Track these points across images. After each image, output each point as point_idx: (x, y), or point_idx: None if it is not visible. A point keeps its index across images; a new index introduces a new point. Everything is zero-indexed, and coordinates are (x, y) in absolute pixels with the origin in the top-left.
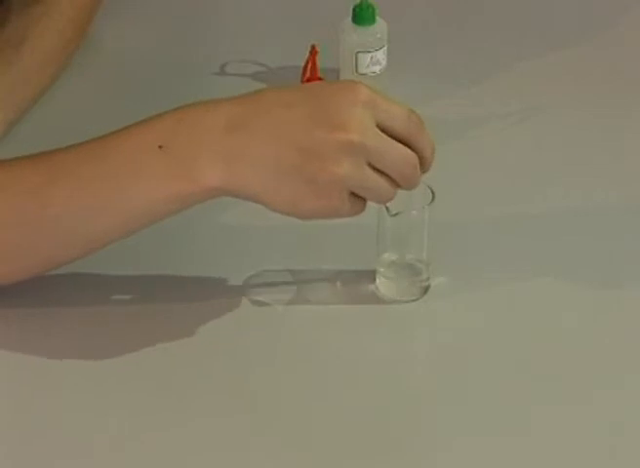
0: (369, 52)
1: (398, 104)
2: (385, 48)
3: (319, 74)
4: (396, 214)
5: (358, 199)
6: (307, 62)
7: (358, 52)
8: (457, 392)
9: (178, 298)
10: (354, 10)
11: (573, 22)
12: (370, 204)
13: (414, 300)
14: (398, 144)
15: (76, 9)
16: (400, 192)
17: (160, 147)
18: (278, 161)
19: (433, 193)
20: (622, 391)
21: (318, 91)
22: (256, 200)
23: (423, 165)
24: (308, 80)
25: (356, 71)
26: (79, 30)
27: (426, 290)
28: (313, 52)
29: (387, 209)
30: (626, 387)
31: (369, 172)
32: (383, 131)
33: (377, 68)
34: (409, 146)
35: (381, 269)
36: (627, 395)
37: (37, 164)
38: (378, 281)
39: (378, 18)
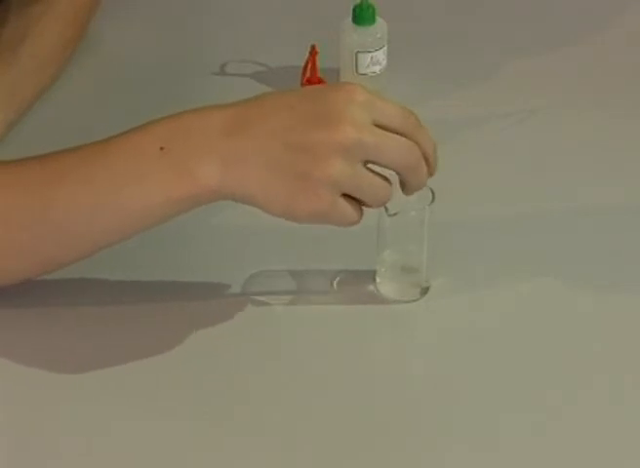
0: (369, 52)
1: (395, 104)
2: (385, 48)
3: (319, 74)
4: (394, 214)
5: (353, 204)
6: (307, 62)
7: (358, 52)
8: (457, 392)
9: (177, 299)
10: (354, 10)
11: (573, 22)
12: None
13: (414, 301)
14: (398, 136)
15: (76, 9)
16: (399, 192)
17: (161, 149)
18: (273, 161)
19: (433, 193)
20: (623, 391)
21: (315, 92)
22: (252, 202)
23: (427, 163)
24: (308, 80)
25: (356, 71)
26: (79, 30)
27: (426, 290)
28: (313, 52)
29: (386, 208)
30: (627, 387)
31: (362, 170)
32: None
33: (377, 68)
34: None
35: (382, 269)
36: (628, 395)
37: (40, 165)
38: (378, 281)
39: (378, 18)
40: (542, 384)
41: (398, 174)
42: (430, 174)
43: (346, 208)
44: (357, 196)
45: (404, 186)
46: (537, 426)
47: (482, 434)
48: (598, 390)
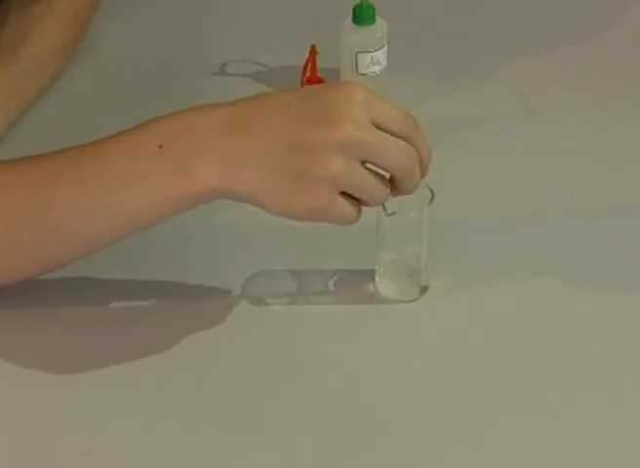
0: (369, 52)
1: (394, 106)
2: (385, 48)
3: (319, 74)
4: (392, 214)
5: (352, 202)
6: (307, 62)
7: (358, 52)
8: (456, 392)
9: (177, 298)
10: (354, 10)
11: (573, 22)
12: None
13: (413, 300)
14: (396, 138)
15: (76, 9)
16: None
17: (160, 147)
18: (273, 160)
19: (432, 193)
20: (623, 391)
21: (315, 91)
22: (252, 201)
23: (421, 166)
24: (308, 80)
25: (356, 71)
26: (79, 30)
27: (425, 289)
28: (313, 52)
29: (384, 208)
30: (627, 387)
31: (360, 169)
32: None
33: (377, 68)
34: None
35: (381, 269)
36: (628, 395)
37: (39, 164)
38: (377, 281)
39: (378, 18)
40: (542, 384)
41: (393, 175)
42: (422, 175)
43: (345, 206)
44: (355, 194)
45: (395, 188)
46: (537, 426)
47: (482, 434)
48: (598, 390)
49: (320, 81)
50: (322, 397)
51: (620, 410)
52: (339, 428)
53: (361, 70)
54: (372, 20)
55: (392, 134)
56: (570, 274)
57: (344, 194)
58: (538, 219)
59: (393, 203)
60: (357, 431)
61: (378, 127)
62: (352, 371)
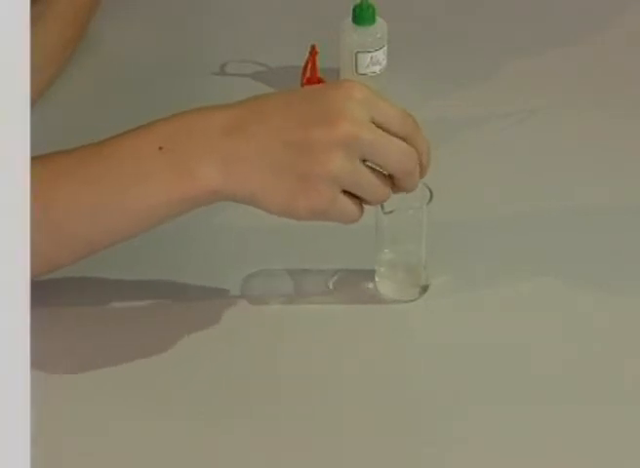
0: (369, 52)
1: (394, 105)
2: (385, 48)
3: (319, 74)
4: (390, 212)
5: (354, 201)
6: (307, 62)
7: (358, 52)
8: (456, 392)
9: (176, 298)
10: (354, 10)
11: (573, 22)
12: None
13: (413, 300)
14: (396, 138)
15: (76, 9)
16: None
17: (160, 149)
18: (273, 160)
19: (431, 192)
20: (623, 391)
21: (315, 91)
22: (253, 202)
23: (420, 167)
24: (308, 80)
25: (356, 71)
26: (79, 30)
27: (425, 289)
28: (313, 52)
29: (382, 206)
30: (627, 387)
31: (361, 167)
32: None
33: (377, 68)
34: None
35: (381, 269)
36: (628, 395)
37: (39, 165)
38: (377, 280)
39: (378, 18)
40: (543, 384)
41: (392, 175)
42: (421, 175)
43: (347, 204)
44: (357, 192)
45: (394, 186)
46: (537, 426)
47: (482, 434)
48: (598, 390)
49: (320, 81)
50: (322, 397)
51: (620, 410)
52: (338, 428)
53: (361, 70)
54: (372, 20)
55: (392, 133)
56: (570, 274)
57: (346, 192)
58: (537, 219)
59: (392, 201)
60: (357, 431)
61: (377, 126)
62: (351, 371)
